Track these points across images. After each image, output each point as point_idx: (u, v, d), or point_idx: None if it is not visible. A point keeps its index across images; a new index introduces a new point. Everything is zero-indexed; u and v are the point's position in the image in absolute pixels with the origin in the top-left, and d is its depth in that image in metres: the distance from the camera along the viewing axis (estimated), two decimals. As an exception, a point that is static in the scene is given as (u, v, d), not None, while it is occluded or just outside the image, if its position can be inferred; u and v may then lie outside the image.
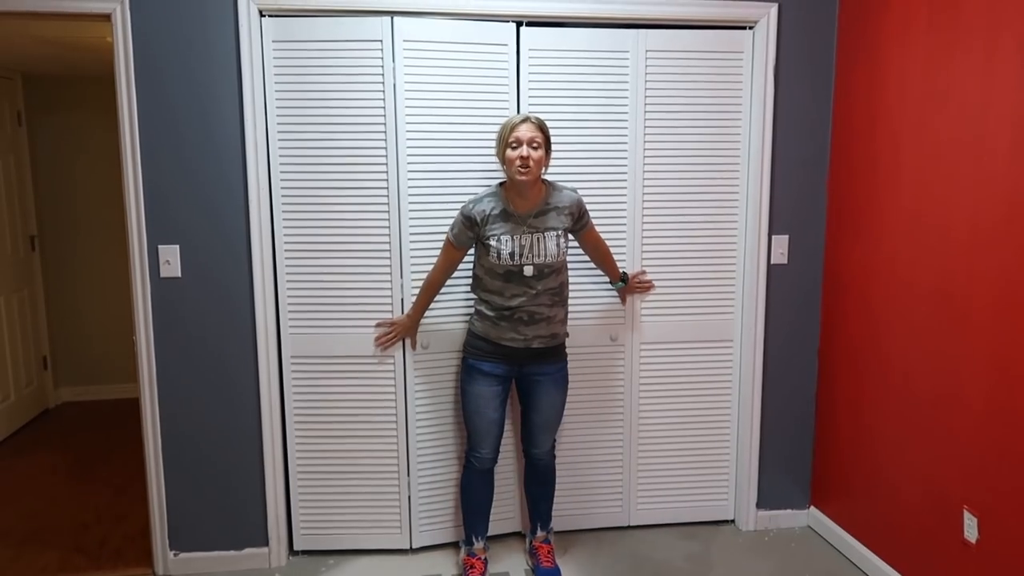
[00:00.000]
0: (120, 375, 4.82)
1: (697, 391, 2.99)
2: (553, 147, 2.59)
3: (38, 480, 3.66)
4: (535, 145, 2.36)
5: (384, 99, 2.61)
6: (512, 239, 2.42)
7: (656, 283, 2.89)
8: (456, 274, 2.63)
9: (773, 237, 2.90)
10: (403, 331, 2.70)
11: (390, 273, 2.70)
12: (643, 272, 2.86)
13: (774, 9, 2.77)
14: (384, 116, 2.62)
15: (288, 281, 2.69)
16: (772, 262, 2.91)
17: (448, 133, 2.67)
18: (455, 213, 2.50)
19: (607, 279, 2.82)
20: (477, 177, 2.68)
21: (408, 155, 2.65)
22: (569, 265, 2.63)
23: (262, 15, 2.55)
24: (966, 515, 2.25)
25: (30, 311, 4.49)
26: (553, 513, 2.81)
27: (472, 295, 2.61)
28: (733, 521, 3.11)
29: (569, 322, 2.63)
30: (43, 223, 4.66)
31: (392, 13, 2.58)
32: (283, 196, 2.65)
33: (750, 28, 2.80)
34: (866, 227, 2.69)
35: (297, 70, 2.59)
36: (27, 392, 4.46)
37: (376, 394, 2.77)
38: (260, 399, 2.70)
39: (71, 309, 4.77)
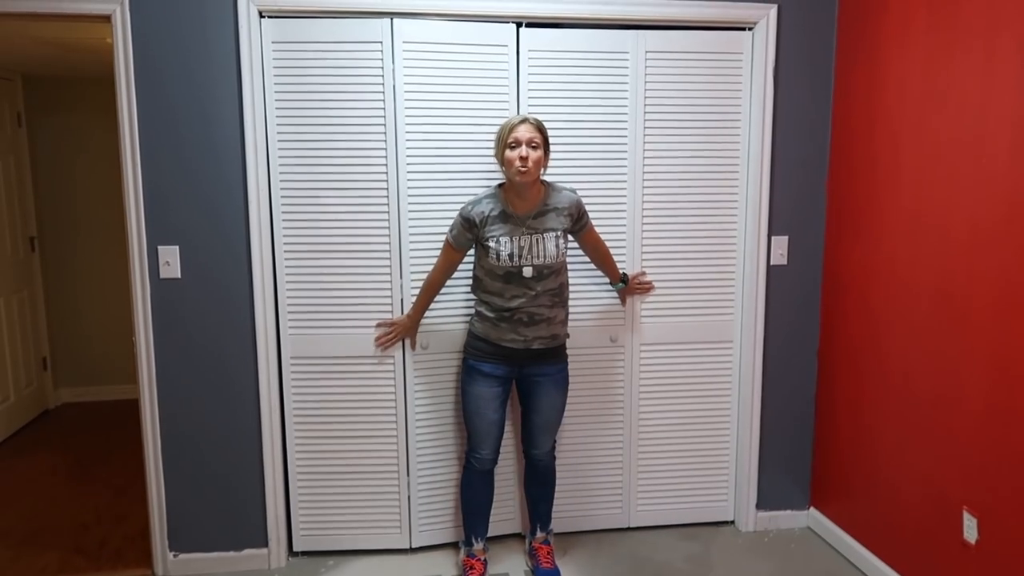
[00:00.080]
0: (120, 376, 4.82)
1: (697, 392, 2.99)
2: (553, 148, 2.59)
3: (38, 481, 3.66)
4: (534, 145, 2.36)
5: (384, 100, 2.62)
6: (511, 240, 2.42)
7: (656, 284, 2.89)
8: (456, 274, 2.63)
9: (773, 238, 2.90)
10: (403, 331, 2.70)
11: (390, 274, 2.71)
12: (643, 273, 2.86)
13: (773, 10, 2.77)
14: (384, 117, 2.62)
15: (288, 282, 2.69)
16: (772, 263, 2.91)
17: (448, 134, 2.67)
18: (455, 214, 2.50)
19: (607, 280, 2.82)
20: (477, 178, 2.69)
21: (408, 156, 2.65)
22: (569, 266, 2.63)
23: (262, 16, 2.56)
24: (966, 516, 2.24)
25: (30, 312, 4.50)
26: (553, 514, 2.81)
27: (472, 296, 2.61)
28: (733, 522, 3.11)
29: (569, 323, 2.63)
30: (43, 224, 4.66)
31: (392, 14, 2.59)
32: (283, 197, 2.65)
33: (749, 29, 2.80)
34: (866, 228, 2.69)
35: (297, 71, 2.59)
36: (27, 393, 4.46)
37: (376, 394, 2.77)
38: (260, 399, 2.70)
39: (71, 310, 4.77)
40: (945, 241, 2.31)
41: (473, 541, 2.70)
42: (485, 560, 2.71)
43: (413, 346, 2.75)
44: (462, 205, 2.49)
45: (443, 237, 2.54)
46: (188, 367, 2.66)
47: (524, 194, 2.44)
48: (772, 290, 2.93)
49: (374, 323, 2.72)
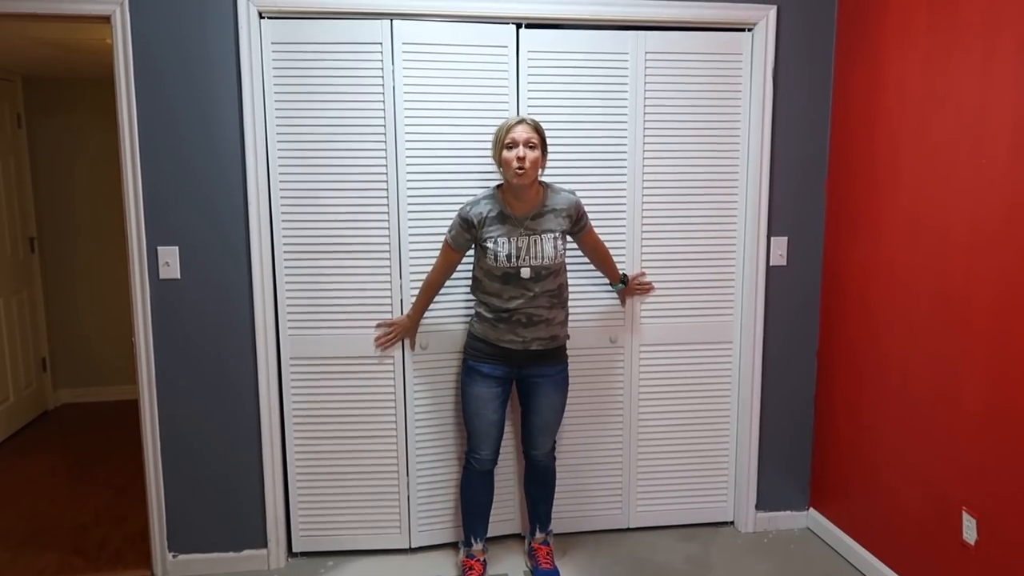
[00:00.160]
0: (119, 376, 4.82)
1: (696, 393, 2.99)
2: (552, 149, 2.59)
3: (37, 482, 3.65)
4: (531, 145, 2.36)
5: (384, 101, 2.62)
6: (509, 241, 2.42)
7: (655, 285, 2.89)
8: (456, 274, 2.64)
9: (772, 239, 2.90)
10: (403, 332, 2.70)
11: (390, 274, 2.71)
12: (642, 274, 2.86)
13: (773, 11, 2.77)
14: (383, 118, 2.63)
15: (287, 282, 2.69)
16: (771, 264, 2.92)
17: (448, 135, 2.67)
18: (454, 215, 2.50)
19: (607, 281, 2.82)
20: (476, 179, 2.69)
21: (407, 157, 2.65)
22: (568, 267, 2.63)
23: (261, 17, 2.56)
24: (965, 516, 2.25)
25: (29, 312, 4.49)
26: (552, 515, 2.81)
27: (472, 296, 2.61)
28: (732, 523, 3.11)
29: (569, 324, 2.63)
30: (42, 225, 4.66)
31: (392, 15, 2.59)
32: (282, 197, 2.65)
33: (749, 30, 2.81)
34: (865, 229, 2.69)
35: (296, 72, 2.59)
36: (26, 394, 4.46)
37: (375, 395, 2.77)
38: (259, 400, 2.70)
39: (70, 311, 4.77)
40: (944, 242, 2.31)
41: (472, 541, 2.70)
42: (484, 560, 2.71)
43: (413, 346, 2.75)
44: (461, 206, 2.49)
45: (442, 238, 2.54)
46: (188, 368, 2.66)
47: (522, 195, 2.44)
48: (771, 291, 2.94)
49: (374, 323, 2.72)
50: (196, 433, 2.70)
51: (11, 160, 4.34)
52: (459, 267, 2.61)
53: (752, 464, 3.01)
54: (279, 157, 2.63)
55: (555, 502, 2.82)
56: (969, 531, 2.23)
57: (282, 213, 2.65)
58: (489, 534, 2.77)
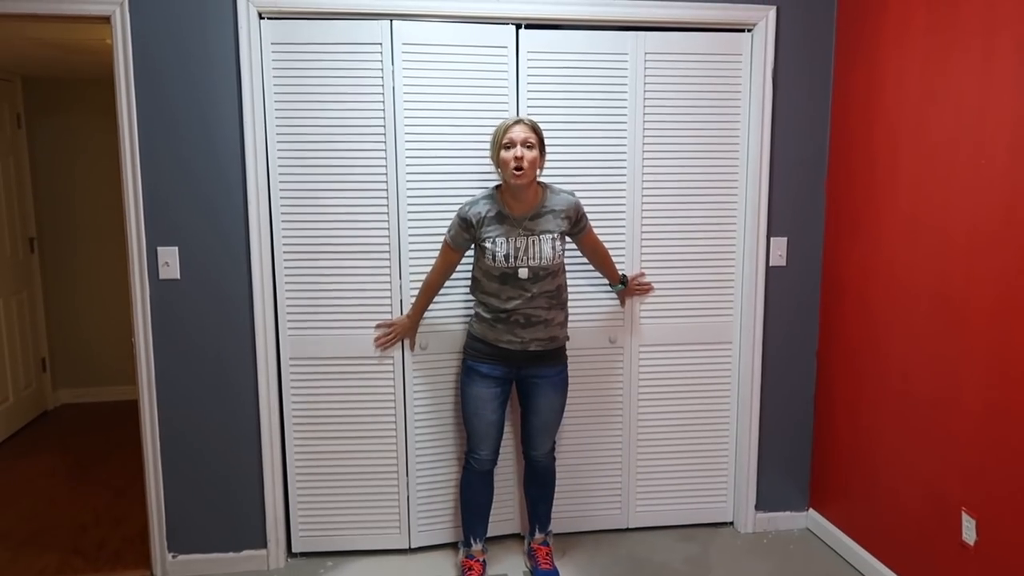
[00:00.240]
0: (119, 377, 4.82)
1: (696, 393, 2.99)
2: (552, 149, 2.60)
3: (37, 482, 3.65)
4: (529, 145, 2.36)
5: (383, 101, 2.62)
6: (507, 241, 2.42)
7: (655, 285, 2.89)
8: (456, 274, 2.64)
9: (772, 239, 2.90)
10: (402, 332, 2.71)
11: (389, 274, 2.71)
12: (642, 274, 2.86)
13: (772, 12, 2.77)
14: (383, 118, 2.63)
15: (287, 282, 2.69)
16: (771, 264, 2.92)
17: (447, 135, 2.67)
18: (454, 215, 2.50)
19: (606, 281, 2.82)
20: (476, 179, 2.69)
21: (407, 157, 2.65)
22: (567, 268, 2.63)
23: (261, 17, 2.56)
24: (964, 517, 2.25)
25: (29, 313, 4.49)
26: (552, 515, 2.81)
27: (471, 296, 2.61)
28: (732, 523, 3.11)
29: (568, 324, 2.63)
30: (42, 225, 4.66)
31: (391, 16, 2.59)
32: (282, 198, 2.65)
33: (748, 31, 2.81)
34: (864, 229, 2.69)
35: (296, 72, 2.59)
36: (26, 394, 4.46)
37: (375, 395, 2.77)
38: (259, 400, 2.70)
39: (70, 311, 4.77)
40: (944, 242, 2.31)
41: (472, 542, 2.70)
42: (484, 561, 2.71)
43: (412, 347, 2.75)
44: (460, 206, 2.50)
45: (442, 238, 2.55)
46: (187, 368, 2.66)
47: (520, 195, 2.44)
48: (771, 291, 2.94)
49: (373, 324, 2.72)
50: (196, 433, 2.70)
51: (11, 160, 4.34)
52: (459, 267, 2.61)
53: (752, 464, 3.01)
54: (279, 157, 2.63)
55: (555, 502, 2.82)
56: (968, 532, 2.23)
57: (282, 213, 2.65)
58: (489, 534, 2.77)
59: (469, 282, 2.62)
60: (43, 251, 4.68)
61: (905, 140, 2.47)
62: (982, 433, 2.17)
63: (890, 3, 2.54)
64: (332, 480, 2.81)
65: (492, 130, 2.52)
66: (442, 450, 2.85)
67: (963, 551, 2.26)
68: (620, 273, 2.80)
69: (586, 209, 2.58)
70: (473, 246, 2.53)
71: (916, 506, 2.46)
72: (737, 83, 2.83)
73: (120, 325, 4.67)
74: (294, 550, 2.85)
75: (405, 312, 2.71)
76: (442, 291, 2.65)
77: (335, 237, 2.67)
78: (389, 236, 2.69)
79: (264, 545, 2.78)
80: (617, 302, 2.89)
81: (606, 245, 2.71)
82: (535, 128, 2.41)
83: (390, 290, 2.72)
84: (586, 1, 2.67)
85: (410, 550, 2.88)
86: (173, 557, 2.75)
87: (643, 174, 2.82)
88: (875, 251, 2.64)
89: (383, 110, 2.62)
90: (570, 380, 2.68)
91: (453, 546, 2.90)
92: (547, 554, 2.74)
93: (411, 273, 2.71)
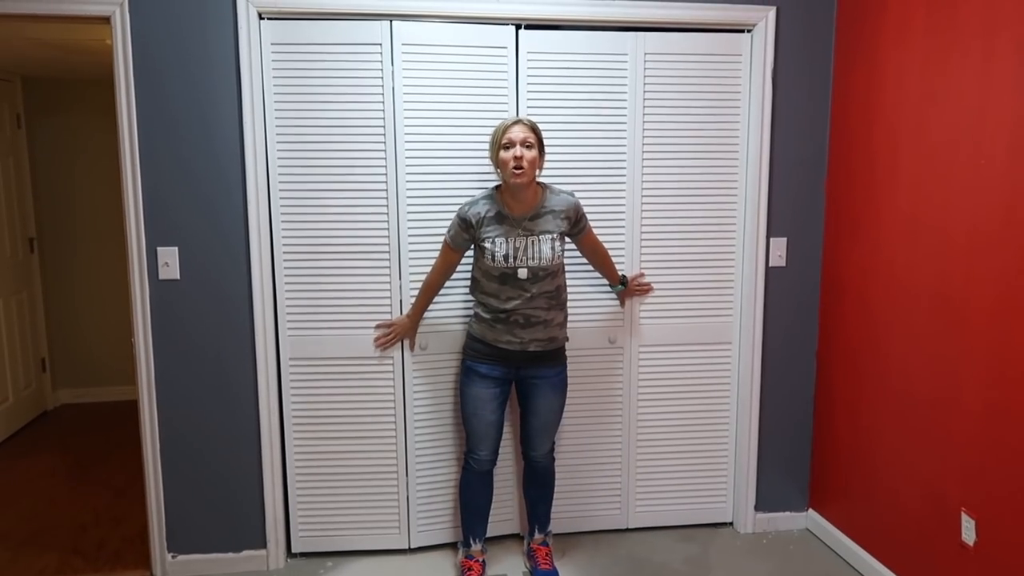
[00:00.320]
0: (119, 377, 4.82)
1: (696, 393, 2.99)
2: (551, 150, 2.60)
3: (36, 482, 3.65)
4: (528, 145, 2.36)
5: (383, 102, 2.62)
6: (506, 241, 2.42)
7: (655, 286, 2.89)
8: (455, 275, 2.64)
9: (771, 239, 2.90)
10: (402, 332, 2.71)
11: (389, 274, 2.71)
12: (642, 274, 2.87)
13: (772, 12, 2.77)
14: (383, 119, 2.63)
15: (287, 282, 2.69)
16: (770, 264, 2.92)
17: (447, 136, 2.67)
18: (454, 215, 2.51)
19: (606, 282, 2.82)
20: (476, 179, 2.69)
21: (407, 157, 2.65)
22: (567, 268, 2.63)
23: (261, 18, 2.56)
24: (964, 517, 2.25)
25: (29, 313, 4.50)
26: (552, 515, 2.81)
27: (471, 296, 2.61)
28: (731, 524, 3.11)
29: (568, 325, 2.63)
30: (42, 225, 4.66)
31: (391, 16, 2.59)
32: (282, 198, 2.65)
33: (748, 31, 2.81)
34: (864, 229, 2.69)
35: (296, 73, 2.59)
36: (26, 394, 4.46)
37: (375, 395, 2.77)
38: (259, 401, 2.70)
39: (70, 311, 4.77)
40: (943, 243, 2.31)
41: (471, 542, 2.70)
42: (483, 561, 2.71)
43: (412, 347, 2.75)
44: (459, 206, 2.50)
45: (442, 238, 2.55)
46: (187, 368, 2.66)
47: (520, 196, 2.44)
48: (771, 292, 2.94)
49: (373, 324, 2.72)
50: (195, 434, 2.70)
51: (11, 160, 4.34)
52: (459, 267, 2.61)
53: (751, 465, 3.01)
54: (279, 158, 2.63)
55: (554, 502, 2.82)
56: (968, 532, 2.23)
57: (282, 214, 2.65)
58: (488, 534, 2.77)
59: (469, 282, 2.62)
60: (43, 251, 4.68)
61: (905, 140, 2.47)
62: (982, 433, 2.17)
63: (890, 4, 2.54)
64: (332, 480, 2.81)
65: (492, 130, 2.52)
66: (442, 450, 2.85)
67: (963, 551, 2.26)
68: (620, 274, 2.80)
69: (586, 209, 2.58)
70: (473, 246, 2.53)
71: (916, 506, 2.46)
72: (737, 83, 2.83)
73: (120, 325, 4.67)
74: (294, 550, 2.85)
75: (405, 312, 2.71)
76: (442, 291, 2.65)
77: (335, 237, 2.68)
78: (389, 236, 2.69)
79: (264, 545, 2.78)
80: (617, 302, 2.89)
81: (606, 245, 2.71)
82: (534, 128, 2.41)
83: (390, 290, 2.72)
84: (586, 1, 2.67)
85: (410, 550, 2.88)
86: (173, 557, 2.75)
87: (643, 174, 2.82)
88: (875, 251, 2.64)
89: (383, 110, 2.62)
90: (570, 380, 2.68)
91: (453, 546, 2.90)
92: (547, 554, 2.74)
93: (411, 273, 2.71)
